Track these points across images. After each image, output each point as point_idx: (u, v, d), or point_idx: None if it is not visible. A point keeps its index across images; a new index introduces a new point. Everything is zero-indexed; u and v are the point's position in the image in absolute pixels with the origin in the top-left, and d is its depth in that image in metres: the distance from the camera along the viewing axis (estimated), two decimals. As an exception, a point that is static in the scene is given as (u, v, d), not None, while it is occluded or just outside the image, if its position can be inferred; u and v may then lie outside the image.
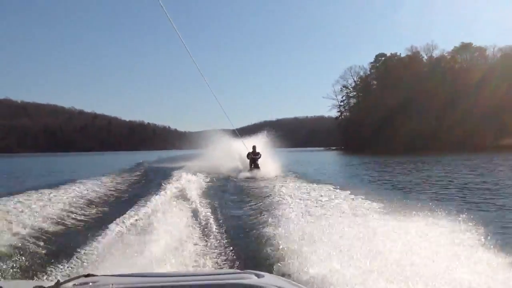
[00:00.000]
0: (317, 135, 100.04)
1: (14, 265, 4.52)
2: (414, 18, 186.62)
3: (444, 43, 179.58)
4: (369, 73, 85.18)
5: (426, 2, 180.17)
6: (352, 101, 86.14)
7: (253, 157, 16.63)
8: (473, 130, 60.28)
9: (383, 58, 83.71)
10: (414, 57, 77.75)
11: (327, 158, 44.92)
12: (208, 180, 13.50)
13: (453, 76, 69.79)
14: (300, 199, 7.64)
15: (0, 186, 16.06)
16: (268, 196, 8.52)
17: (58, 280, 1.54)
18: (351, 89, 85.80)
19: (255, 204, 7.90)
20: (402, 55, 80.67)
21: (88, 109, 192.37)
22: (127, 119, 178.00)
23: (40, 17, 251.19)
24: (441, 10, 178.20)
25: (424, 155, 39.13)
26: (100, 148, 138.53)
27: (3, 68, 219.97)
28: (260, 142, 18.94)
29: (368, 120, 74.08)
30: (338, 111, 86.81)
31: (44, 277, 4.15)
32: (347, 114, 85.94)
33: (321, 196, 8.17)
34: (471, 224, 5.25)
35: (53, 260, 4.60)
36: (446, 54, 76.47)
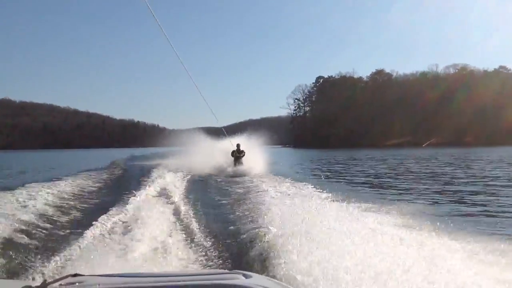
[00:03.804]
0: (289, 134, 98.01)
1: (0, 264, 3.53)
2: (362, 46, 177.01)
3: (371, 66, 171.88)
4: (311, 90, 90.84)
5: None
6: (302, 110, 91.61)
7: (238, 155, 14.48)
8: (371, 132, 71.61)
9: (321, 80, 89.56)
10: (342, 79, 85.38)
11: (289, 153, 46.52)
12: (190, 178, 11.38)
13: (368, 93, 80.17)
14: (285, 197, 6.40)
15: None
16: (253, 195, 7.08)
17: (45, 280, 1.28)
18: (301, 101, 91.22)
19: (240, 203, 6.53)
20: (337, 77, 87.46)
21: (81, 107, 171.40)
22: (118, 117, 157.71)
23: (25, 18, 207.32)
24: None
25: (341, 149, 45.27)
26: (95, 145, 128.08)
27: (1, 67, 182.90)
28: (242, 140, 16.42)
29: (310, 125, 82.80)
30: (292, 117, 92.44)
31: (31, 277, 3.26)
32: (299, 120, 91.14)
33: (304, 193, 6.96)
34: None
35: (39, 260, 3.64)
36: (365, 78, 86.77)
